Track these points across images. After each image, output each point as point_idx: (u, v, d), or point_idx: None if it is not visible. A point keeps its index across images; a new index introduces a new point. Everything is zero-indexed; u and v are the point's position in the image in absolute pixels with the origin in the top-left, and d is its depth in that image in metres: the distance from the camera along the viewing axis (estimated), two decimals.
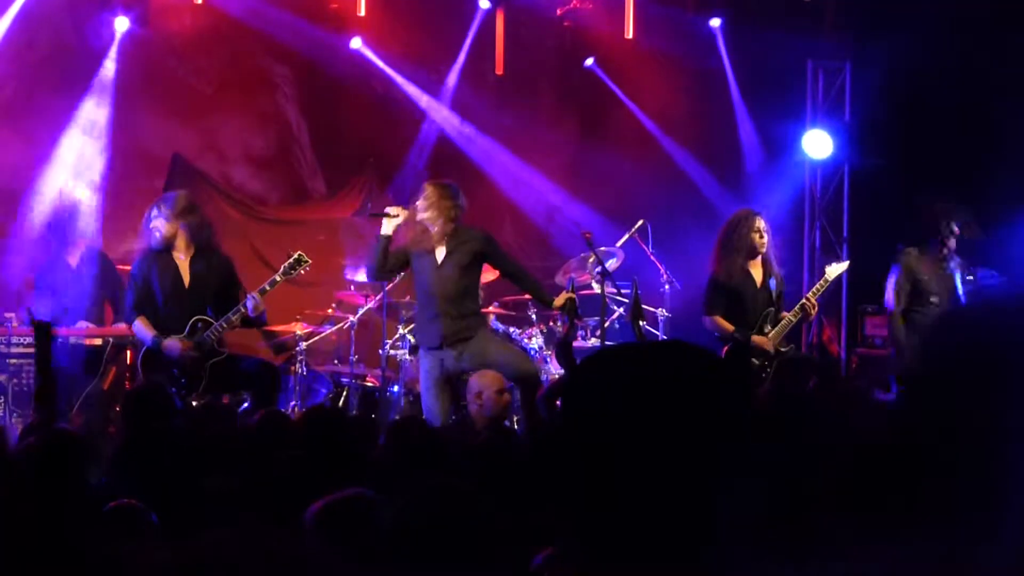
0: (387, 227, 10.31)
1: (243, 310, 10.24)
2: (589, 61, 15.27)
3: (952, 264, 11.17)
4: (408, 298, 12.17)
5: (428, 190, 10.29)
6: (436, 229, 10.19)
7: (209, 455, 5.61)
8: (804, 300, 11.01)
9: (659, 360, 2.31)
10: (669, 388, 2.24)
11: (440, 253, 10.23)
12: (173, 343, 10.14)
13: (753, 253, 11.00)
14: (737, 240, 10.99)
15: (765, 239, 11.05)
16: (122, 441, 5.73)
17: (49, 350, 8.33)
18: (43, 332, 8.41)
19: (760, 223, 11.04)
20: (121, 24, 13.54)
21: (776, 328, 10.93)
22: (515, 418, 11.43)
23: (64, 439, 5.70)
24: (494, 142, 15.37)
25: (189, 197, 10.71)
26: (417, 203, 10.26)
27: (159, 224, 10.37)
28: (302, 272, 10.62)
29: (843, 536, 2.58)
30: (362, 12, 14.09)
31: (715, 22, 14.88)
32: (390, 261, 10.35)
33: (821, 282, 11.37)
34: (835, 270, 11.47)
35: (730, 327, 10.90)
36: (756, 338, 10.87)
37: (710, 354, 2.34)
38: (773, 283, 11.03)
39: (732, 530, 2.23)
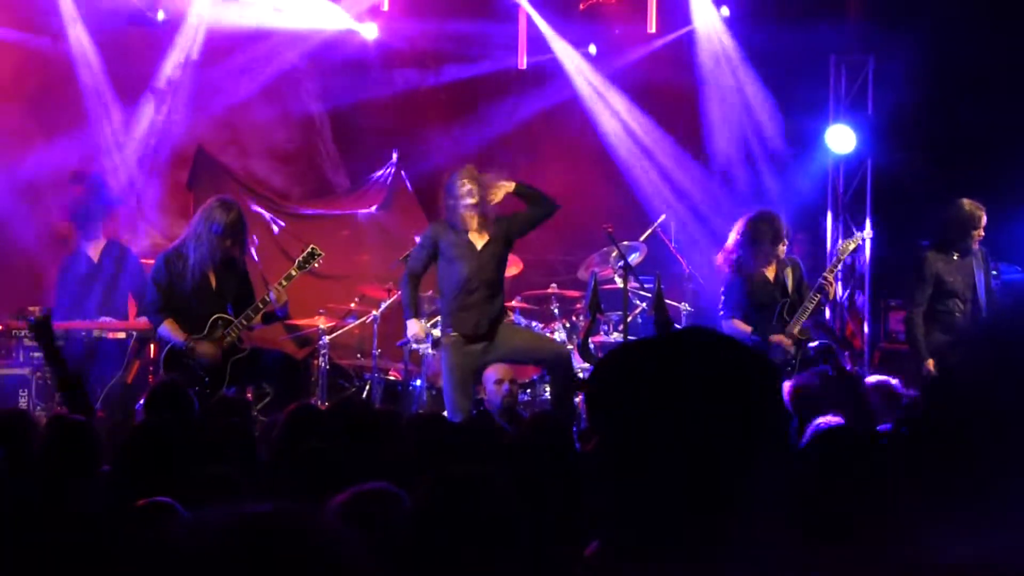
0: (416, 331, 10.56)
1: (262, 306, 10.26)
2: (592, 49, 15.19)
3: (973, 261, 11.16)
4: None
5: (469, 175, 10.30)
6: (476, 215, 10.23)
7: (227, 447, 5.63)
8: (821, 280, 10.91)
9: (683, 351, 2.31)
10: (695, 379, 2.24)
11: (479, 240, 10.29)
12: (205, 351, 10.14)
13: (777, 259, 10.94)
14: (761, 245, 10.89)
15: (786, 244, 11.03)
16: (133, 431, 5.76)
17: (52, 343, 8.22)
18: (43, 328, 8.30)
19: (782, 228, 10.98)
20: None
21: (796, 317, 10.85)
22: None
23: (78, 429, 5.74)
24: (516, 132, 15.37)
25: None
26: (463, 187, 10.27)
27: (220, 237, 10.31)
28: (316, 265, 10.62)
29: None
30: (385, 7, 14.08)
31: (724, 11, 14.78)
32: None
33: (835, 261, 11.30)
34: (848, 245, 11.40)
35: (747, 328, 10.85)
36: (774, 337, 10.80)
37: (734, 341, 2.34)
38: (787, 274, 10.96)
39: (761, 518, 2.24)
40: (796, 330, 10.79)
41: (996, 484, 2.26)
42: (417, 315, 10.53)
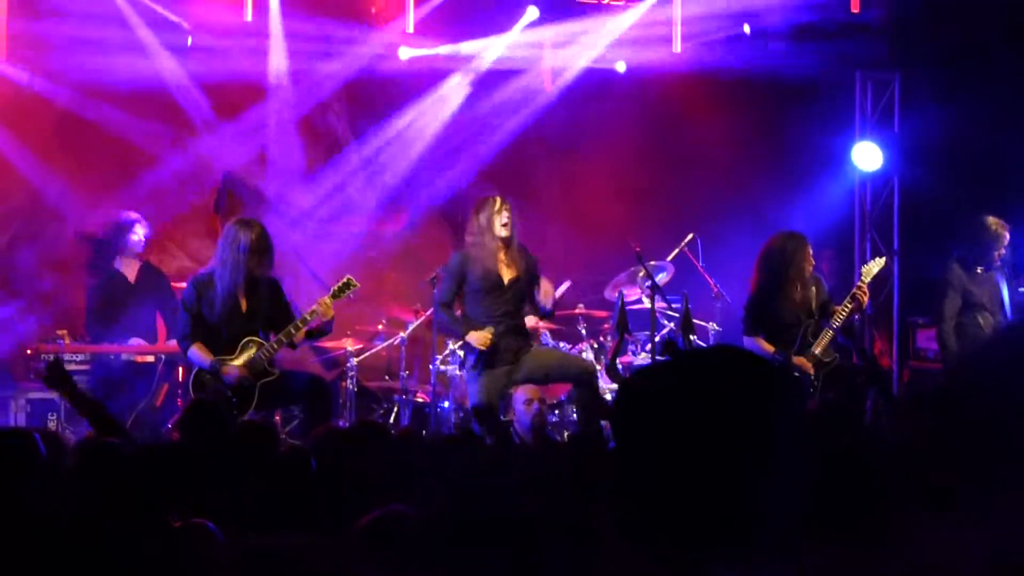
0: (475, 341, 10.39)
1: (294, 332, 10.21)
2: (621, 67, 15.09)
3: (998, 275, 11.20)
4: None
5: (507, 206, 10.30)
6: (504, 248, 10.24)
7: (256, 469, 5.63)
8: (837, 313, 10.86)
9: (709, 369, 2.31)
10: (720, 396, 2.24)
11: (507, 273, 10.29)
12: (232, 371, 10.12)
13: (802, 280, 10.89)
14: (787, 267, 10.84)
15: (812, 264, 10.98)
16: (181, 452, 5.77)
17: (72, 384, 8.15)
18: (57, 371, 8.21)
19: (810, 250, 10.93)
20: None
21: (819, 339, 10.80)
22: (565, 433, 11.45)
23: (111, 452, 5.74)
24: (544, 153, 15.37)
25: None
26: (496, 218, 10.25)
27: (242, 257, 10.26)
28: (351, 295, 10.61)
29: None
30: (410, 29, 14.09)
31: (745, 28, 14.71)
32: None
33: (859, 284, 11.20)
34: (871, 267, 11.33)
35: (770, 348, 10.80)
36: (797, 359, 10.74)
37: (758, 359, 2.34)
38: (812, 294, 10.92)
39: (781, 530, 2.24)
40: (819, 351, 10.76)
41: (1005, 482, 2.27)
42: (469, 327, 10.43)
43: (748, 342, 10.88)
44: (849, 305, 10.83)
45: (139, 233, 12.16)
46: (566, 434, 11.38)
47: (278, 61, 14.05)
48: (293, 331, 10.20)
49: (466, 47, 14.53)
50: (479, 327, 10.27)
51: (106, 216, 12.55)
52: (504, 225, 10.23)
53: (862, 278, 11.18)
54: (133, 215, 12.28)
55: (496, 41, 14.53)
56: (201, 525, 4.48)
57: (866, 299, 11.05)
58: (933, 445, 2.60)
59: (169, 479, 5.32)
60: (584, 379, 10.47)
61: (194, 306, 10.22)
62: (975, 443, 2.44)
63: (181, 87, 13.78)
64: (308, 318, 10.23)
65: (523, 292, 10.44)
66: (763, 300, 10.90)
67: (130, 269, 12.12)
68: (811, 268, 10.93)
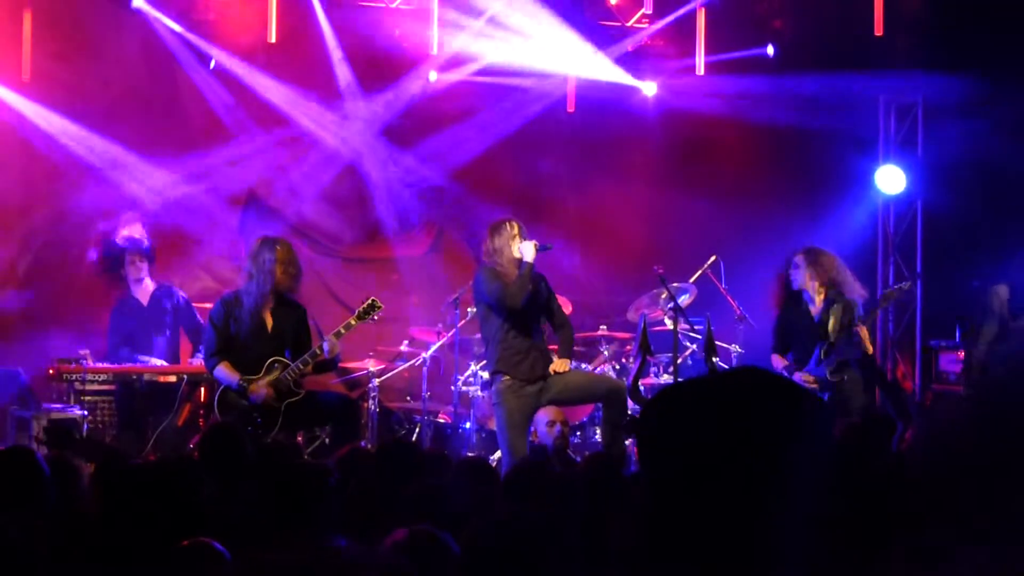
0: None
1: (319, 353, 10.24)
2: (652, 91, 15.06)
3: None
4: (479, 335, 12.15)
5: (523, 231, 10.30)
6: (518, 269, 10.23)
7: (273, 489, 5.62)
8: (855, 330, 10.85)
9: (730, 390, 2.30)
10: (741, 417, 2.23)
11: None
12: (259, 390, 10.12)
13: (818, 294, 10.94)
14: (787, 281, 10.98)
15: (800, 271, 10.98)
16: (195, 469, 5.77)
17: (72, 441, 8.30)
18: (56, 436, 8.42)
19: (796, 258, 10.99)
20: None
21: (829, 360, 10.78)
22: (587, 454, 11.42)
23: (126, 471, 5.74)
24: (566, 175, 15.37)
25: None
26: (512, 243, 10.25)
27: (274, 269, 10.31)
28: (375, 317, 10.62)
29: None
30: (434, 51, 14.10)
31: (769, 50, 14.69)
32: None
33: (872, 310, 11.21)
34: (890, 294, 11.35)
35: (782, 363, 10.87)
36: (796, 373, 10.77)
37: (780, 379, 2.33)
38: (832, 313, 10.89)
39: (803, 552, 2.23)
40: (828, 370, 10.74)
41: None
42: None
43: (772, 359, 10.99)
44: (842, 335, 10.77)
45: (129, 230, 12.19)
46: (587, 455, 11.35)
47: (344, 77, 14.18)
48: (309, 359, 10.22)
49: (494, 61, 14.53)
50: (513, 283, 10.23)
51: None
52: (519, 246, 10.24)
53: (880, 302, 11.25)
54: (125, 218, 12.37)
55: (519, 59, 14.53)
56: (206, 544, 4.47)
57: (866, 344, 10.97)
58: (962, 470, 2.58)
59: (181, 497, 5.32)
60: (613, 397, 10.45)
61: (222, 324, 10.28)
62: (1004, 466, 2.42)
63: (214, 99, 13.87)
64: (321, 349, 10.26)
65: (542, 308, 10.44)
66: (779, 316, 11.02)
67: (142, 292, 12.14)
68: (812, 279, 10.95)
